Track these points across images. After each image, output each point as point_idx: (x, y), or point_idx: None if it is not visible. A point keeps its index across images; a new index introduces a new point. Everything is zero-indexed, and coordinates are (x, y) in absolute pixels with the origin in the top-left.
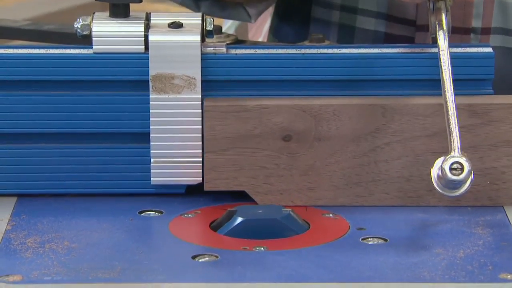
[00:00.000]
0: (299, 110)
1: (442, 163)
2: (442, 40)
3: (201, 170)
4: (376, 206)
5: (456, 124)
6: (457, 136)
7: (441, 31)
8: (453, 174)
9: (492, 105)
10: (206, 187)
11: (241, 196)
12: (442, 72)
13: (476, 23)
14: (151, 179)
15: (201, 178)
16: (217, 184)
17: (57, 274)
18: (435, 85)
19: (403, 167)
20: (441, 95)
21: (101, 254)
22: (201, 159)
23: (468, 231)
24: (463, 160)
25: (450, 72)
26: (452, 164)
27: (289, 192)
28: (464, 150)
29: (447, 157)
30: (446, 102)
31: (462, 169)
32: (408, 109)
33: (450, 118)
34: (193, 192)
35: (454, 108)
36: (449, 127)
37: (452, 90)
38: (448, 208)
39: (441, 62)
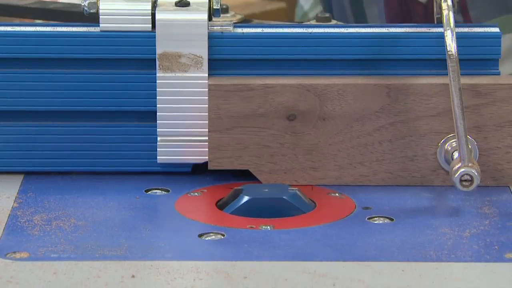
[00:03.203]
0: (304, 89)
1: (451, 175)
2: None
3: (207, 149)
4: (380, 185)
5: (465, 130)
6: (466, 144)
7: (447, 10)
8: (463, 185)
9: (497, 86)
10: (210, 166)
11: (247, 175)
12: (449, 70)
13: None
14: (158, 157)
15: (207, 157)
16: (221, 163)
17: (64, 251)
18: (441, 64)
19: (407, 147)
20: (447, 75)
21: (107, 232)
22: (207, 138)
23: (474, 211)
24: (472, 172)
25: (458, 71)
26: (462, 175)
27: (293, 171)
28: (468, 130)
29: (457, 167)
30: (454, 107)
31: (471, 181)
32: (413, 89)
33: (459, 125)
34: (200, 171)
35: (463, 114)
36: (457, 134)
37: (460, 93)
38: (453, 188)
39: (448, 61)
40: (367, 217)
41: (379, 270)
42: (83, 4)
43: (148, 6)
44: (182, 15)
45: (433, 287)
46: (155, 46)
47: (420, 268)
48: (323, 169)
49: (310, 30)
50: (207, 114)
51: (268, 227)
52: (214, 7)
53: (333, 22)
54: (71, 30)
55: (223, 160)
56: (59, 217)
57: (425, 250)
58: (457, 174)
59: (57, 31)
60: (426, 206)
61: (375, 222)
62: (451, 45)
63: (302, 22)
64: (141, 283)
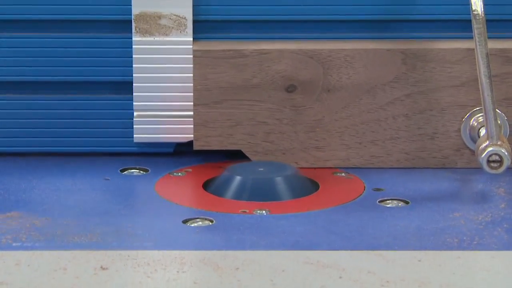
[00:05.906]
0: (305, 56)
1: (478, 154)
2: None
3: (192, 126)
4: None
5: (493, 103)
6: (494, 118)
7: None
8: (491, 167)
9: None
10: (196, 146)
11: (237, 155)
12: (474, 33)
13: None
14: (134, 136)
15: (192, 135)
16: (208, 143)
17: (28, 239)
18: (465, 26)
19: (426, 123)
20: (472, 38)
21: (77, 217)
22: (192, 113)
23: (500, 194)
24: (502, 151)
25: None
26: (490, 155)
27: (292, 152)
28: (497, 102)
29: (484, 146)
30: (480, 76)
31: (501, 161)
32: (433, 55)
33: (486, 96)
34: (183, 152)
35: (490, 84)
36: (485, 107)
37: (487, 60)
38: (480, 169)
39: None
40: (379, 200)
41: (392, 259)
42: None
43: None
44: None
45: (455, 278)
46: (130, 5)
47: (439, 257)
48: (328, 149)
49: None
50: (192, 85)
51: (264, 211)
52: None
53: None
54: None
55: (210, 139)
56: (21, 201)
57: (445, 237)
58: (484, 154)
59: None
60: (446, 188)
61: (388, 205)
62: (476, 3)
63: None
64: (117, 275)
